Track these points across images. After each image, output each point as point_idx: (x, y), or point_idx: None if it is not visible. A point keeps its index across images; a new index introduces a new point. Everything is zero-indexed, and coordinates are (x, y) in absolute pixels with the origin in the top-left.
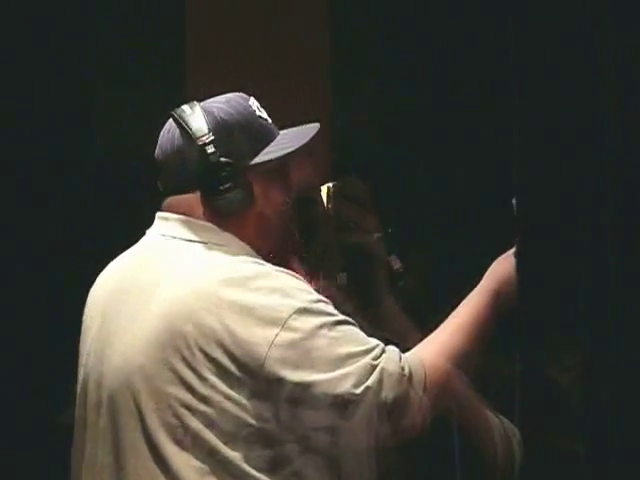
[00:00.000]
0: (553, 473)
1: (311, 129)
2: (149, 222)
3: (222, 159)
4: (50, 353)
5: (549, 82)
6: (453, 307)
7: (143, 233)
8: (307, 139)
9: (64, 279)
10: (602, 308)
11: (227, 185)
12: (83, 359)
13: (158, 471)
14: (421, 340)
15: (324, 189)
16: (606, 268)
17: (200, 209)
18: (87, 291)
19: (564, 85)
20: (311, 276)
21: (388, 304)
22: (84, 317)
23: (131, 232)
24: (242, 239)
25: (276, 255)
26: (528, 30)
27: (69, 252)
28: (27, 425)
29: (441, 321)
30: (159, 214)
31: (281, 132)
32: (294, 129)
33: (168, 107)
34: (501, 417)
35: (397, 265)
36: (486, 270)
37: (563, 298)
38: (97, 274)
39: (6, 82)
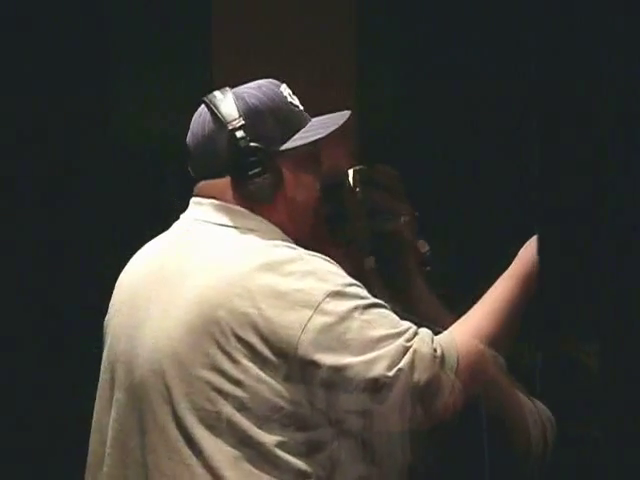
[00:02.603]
0: (573, 457)
1: (341, 116)
2: (170, 209)
3: (252, 144)
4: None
5: (567, 64)
6: (479, 292)
7: (161, 220)
8: (336, 126)
9: (83, 268)
10: (622, 294)
11: (256, 170)
12: (111, 343)
13: (190, 455)
14: (452, 323)
15: (350, 173)
16: (624, 255)
17: (230, 194)
18: (108, 280)
19: (582, 68)
20: (347, 260)
21: (419, 288)
22: (112, 300)
23: (151, 219)
24: (274, 224)
25: (308, 240)
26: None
27: (86, 238)
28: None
29: (467, 306)
30: (193, 199)
31: (312, 119)
32: (325, 116)
33: (194, 92)
34: (536, 402)
35: (425, 249)
36: (512, 259)
37: (583, 284)
38: (115, 261)
39: (23, 66)
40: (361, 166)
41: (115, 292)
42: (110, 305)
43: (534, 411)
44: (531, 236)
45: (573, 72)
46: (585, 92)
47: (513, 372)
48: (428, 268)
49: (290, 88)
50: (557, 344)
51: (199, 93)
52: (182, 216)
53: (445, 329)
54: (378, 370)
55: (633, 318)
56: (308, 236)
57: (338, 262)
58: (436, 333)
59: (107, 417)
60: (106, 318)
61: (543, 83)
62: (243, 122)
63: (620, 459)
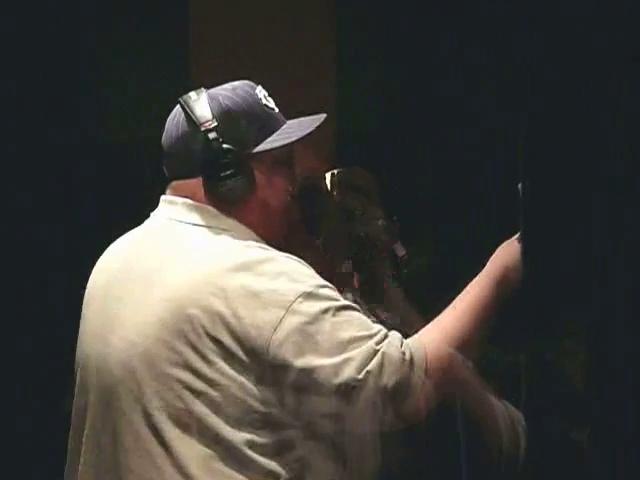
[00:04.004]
0: (558, 459)
1: (316, 120)
2: (150, 209)
3: (224, 145)
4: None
5: (554, 66)
6: (457, 294)
7: (144, 218)
8: (311, 129)
9: (65, 266)
10: (607, 294)
11: (228, 172)
12: (82, 342)
13: (160, 454)
14: (424, 327)
15: (328, 177)
16: (610, 253)
17: (202, 194)
18: (87, 279)
19: (570, 71)
20: (319, 262)
21: (392, 291)
22: (85, 300)
23: (131, 218)
24: (246, 225)
25: (279, 242)
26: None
27: (69, 237)
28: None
29: (444, 308)
30: (164, 197)
31: (288, 122)
32: (300, 119)
33: (172, 96)
34: (505, 402)
35: (402, 252)
36: (490, 257)
37: (568, 285)
38: (96, 260)
39: (7, 68)
40: (339, 169)
41: (87, 292)
42: (83, 304)
43: (505, 412)
44: (506, 238)
45: (566, 70)
46: (577, 89)
47: (492, 374)
48: (405, 271)
49: (268, 91)
50: (541, 346)
51: (177, 96)
52: (153, 214)
53: (416, 332)
54: (347, 372)
55: (619, 319)
56: (279, 238)
57: (314, 265)
58: (407, 336)
59: (84, 416)
60: (81, 319)
61: (531, 82)
62: (216, 124)
63: (602, 460)
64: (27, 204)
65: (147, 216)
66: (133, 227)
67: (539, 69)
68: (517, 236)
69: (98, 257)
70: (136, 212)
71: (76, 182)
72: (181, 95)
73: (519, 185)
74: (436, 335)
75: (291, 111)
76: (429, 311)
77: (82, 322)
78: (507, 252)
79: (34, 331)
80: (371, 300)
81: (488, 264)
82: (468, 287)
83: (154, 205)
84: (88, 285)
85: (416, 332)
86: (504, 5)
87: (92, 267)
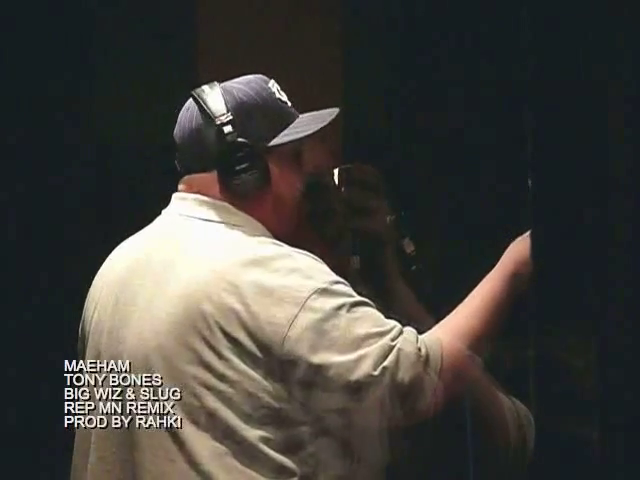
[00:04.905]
0: (566, 457)
1: (330, 113)
2: (154, 208)
3: (239, 139)
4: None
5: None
6: (465, 291)
7: (147, 219)
8: (325, 123)
9: (65, 267)
10: (617, 292)
11: (243, 165)
12: (92, 339)
13: (174, 451)
14: (433, 324)
15: (336, 172)
16: (622, 252)
17: (216, 188)
18: (90, 278)
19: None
20: (326, 259)
21: (400, 288)
22: (91, 296)
23: (134, 218)
24: (258, 220)
25: (291, 237)
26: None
27: (70, 238)
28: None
29: (453, 305)
30: (176, 194)
31: (300, 116)
32: (313, 113)
33: (179, 92)
34: (514, 399)
35: (410, 249)
36: (499, 258)
37: (578, 282)
38: (98, 261)
39: (6, 68)
40: (347, 165)
41: (95, 288)
42: (89, 300)
43: (512, 409)
44: (518, 236)
45: (569, 69)
46: (583, 90)
47: (500, 371)
48: (414, 268)
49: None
50: (549, 344)
51: (185, 92)
52: (164, 211)
53: (426, 330)
54: (363, 369)
55: (628, 317)
56: (291, 233)
57: (323, 261)
58: (419, 332)
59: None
60: (85, 314)
61: (537, 82)
62: (231, 117)
63: (610, 459)
64: (27, 204)
65: (147, 218)
66: (133, 227)
67: (549, 66)
68: (530, 232)
69: (98, 256)
70: (136, 212)
71: (76, 182)
72: (188, 94)
73: (530, 181)
74: (449, 332)
75: (299, 110)
76: (436, 309)
77: (91, 319)
78: (520, 248)
79: (34, 331)
80: (379, 297)
81: (501, 260)
82: (481, 283)
83: (154, 205)
84: (96, 281)
85: (425, 330)
86: (506, 5)
87: (91, 266)
